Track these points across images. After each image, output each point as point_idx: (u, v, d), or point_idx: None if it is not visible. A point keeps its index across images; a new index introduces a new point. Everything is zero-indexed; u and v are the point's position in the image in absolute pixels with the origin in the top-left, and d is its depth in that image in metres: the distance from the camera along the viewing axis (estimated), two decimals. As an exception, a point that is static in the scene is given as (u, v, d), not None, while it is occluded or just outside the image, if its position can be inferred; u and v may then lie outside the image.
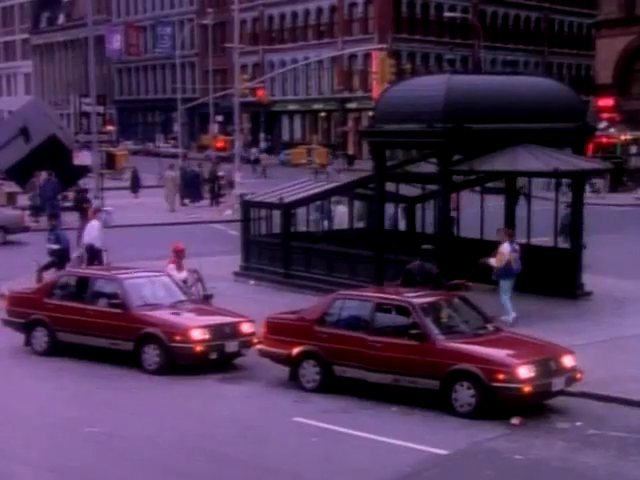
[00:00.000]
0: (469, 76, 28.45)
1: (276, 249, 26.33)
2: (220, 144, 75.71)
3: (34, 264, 25.34)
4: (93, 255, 26.05)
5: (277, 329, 17.17)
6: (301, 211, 27.09)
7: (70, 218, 37.81)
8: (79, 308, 18.81)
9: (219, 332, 17.89)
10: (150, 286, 19.23)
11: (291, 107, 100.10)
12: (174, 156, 72.30)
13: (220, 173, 53.32)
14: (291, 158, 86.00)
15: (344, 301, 17.02)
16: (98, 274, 20.04)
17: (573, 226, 24.23)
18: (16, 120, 49.39)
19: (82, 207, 32.47)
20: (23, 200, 45.06)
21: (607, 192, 54.61)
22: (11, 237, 35.23)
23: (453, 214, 25.23)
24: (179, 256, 20.95)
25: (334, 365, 16.31)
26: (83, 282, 19.39)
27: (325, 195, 26.88)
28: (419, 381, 15.37)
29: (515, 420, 14.66)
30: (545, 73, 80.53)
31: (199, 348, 17.58)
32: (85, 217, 32.18)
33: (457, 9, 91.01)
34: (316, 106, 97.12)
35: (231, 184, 49.98)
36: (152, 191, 52.42)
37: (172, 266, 20.71)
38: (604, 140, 59.86)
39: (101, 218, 27.33)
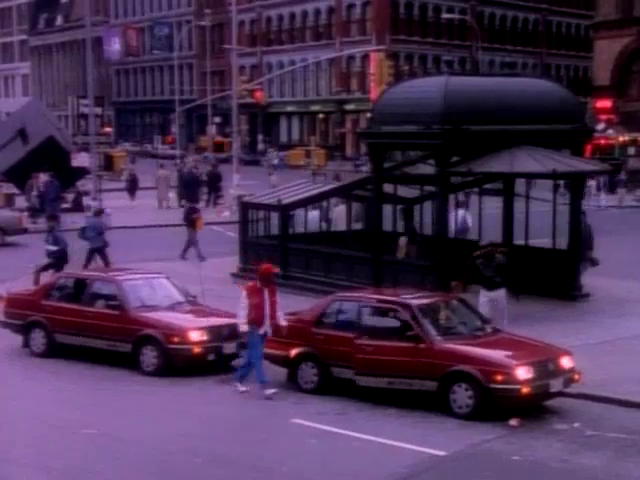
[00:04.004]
0: (467, 77, 28.50)
1: (274, 250, 26.30)
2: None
3: (31, 266, 25.34)
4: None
5: (274, 331, 17.15)
6: (299, 212, 27.09)
7: (68, 219, 37.83)
8: (77, 310, 18.80)
9: (217, 333, 17.86)
10: (148, 287, 19.22)
11: (289, 108, 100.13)
12: (172, 157, 72.45)
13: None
14: (289, 160, 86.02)
15: (342, 302, 17.03)
16: (96, 276, 20.02)
17: (571, 227, 24.22)
18: (14, 121, 49.42)
19: (191, 218, 31.77)
20: (21, 202, 45.07)
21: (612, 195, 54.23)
22: (9, 239, 35.22)
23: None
24: (267, 281, 16.79)
25: (332, 367, 16.31)
26: (81, 284, 19.38)
27: (323, 197, 26.90)
28: (417, 382, 15.38)
29: (513, 421, 14.66)
30: (543, 74, 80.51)
31: (197, 350, 17.58)
32: (194, 228, 31.27)
33: (455, 10, 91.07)
34: (314, 107, 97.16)
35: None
36: (150, 192, 52.31)
37: (243, 294, 16.67)
38: (602, 141, 59.91)
39: None
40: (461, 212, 28.49)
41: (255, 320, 16.34)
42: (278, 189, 29.44)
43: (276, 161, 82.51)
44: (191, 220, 31.35)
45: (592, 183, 52.97)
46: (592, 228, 25.33)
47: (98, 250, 26.97)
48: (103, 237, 27.17)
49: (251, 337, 16.47)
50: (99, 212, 28.55)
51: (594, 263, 24.92)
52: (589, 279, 24.62)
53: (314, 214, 27.51)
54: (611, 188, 55.92)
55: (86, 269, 25.23)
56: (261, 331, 16.41)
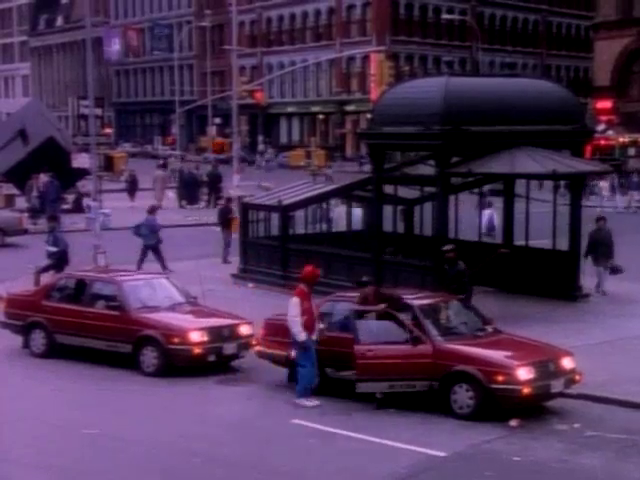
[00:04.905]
0: (467, 78, 28.54)
1: (274, 251, 26.32)
2: (217, 147, 75.75)
3: (31, 266, 25.34)
4: None
5: (275, 331, 17.15)
6: (299, 213, 27.10)
7: (68, 220, 37.84)
8: (77, 310, 18.79)
9: (217, 334, 17.88)
10: (148, 288, 19.22)
11: (289, 109, 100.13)
12: (163, 158, 72.53)
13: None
14: (289, 160, 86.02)
15: (339, 303, 17.01)
16: (96, 276, 20.02)
17: (572, 228, 24.23)
18: (14, 122, 49.43)
19: (227, 218, 31.34)
20: (21, 202, 45.06)
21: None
22: (9, 239, 35.23)
23: None
24: (313, 283, 16.64)
25: (331, 367, 16.28)
26: (81, 284, 19.37)
27: (323, 197, 26.89)
28: (417, 383, 15.37)
29: (514, 422, 14.65)
30: (543, 75, 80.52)
31: (197, 350, 17.57)
32: (229, 229, 30.92)
33: (455, 11, 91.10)
34: (314, 108, 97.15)
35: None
36: (150, 193, 52.36)
37: (296, 300, 15.95)
38: (602, 142, 59.98)
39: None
40: (489, 212, 28.54)
41: (308, 325, 15.82)
42: (278, 189, 29.40)
43: (264, 163, 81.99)
44: (227, 220, 31.15)
45: (604, 185, 52.82)
46: (612, 234, 25.32)
47: (152, 248, 27.45)
48: (157, 235, 27.58)
49: (307, 344, 15.88)
50: (153, 210, 28.56)
51: (615, 271, 24.81)
52: (590, 280, 24.62)
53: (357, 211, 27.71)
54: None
55: (141, 266, 25.87)
56: (314, 336, 15.86)
